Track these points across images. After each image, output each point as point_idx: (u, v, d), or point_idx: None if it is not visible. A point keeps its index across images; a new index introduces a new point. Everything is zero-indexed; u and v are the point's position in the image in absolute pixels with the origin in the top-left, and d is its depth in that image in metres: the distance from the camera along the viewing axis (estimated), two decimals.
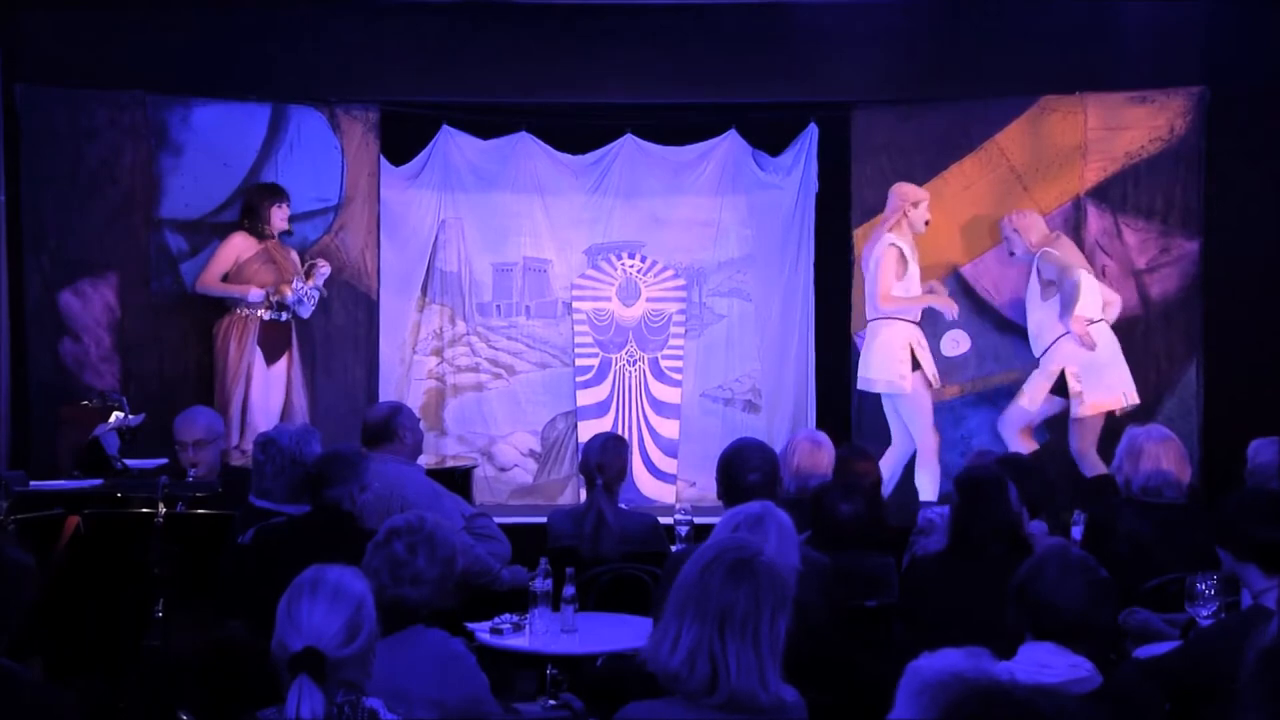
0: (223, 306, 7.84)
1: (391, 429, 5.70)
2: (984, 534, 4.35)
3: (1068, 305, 7.58)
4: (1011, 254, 7.92)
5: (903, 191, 7.90)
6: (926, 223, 7.89)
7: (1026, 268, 8.20)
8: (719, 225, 8.93)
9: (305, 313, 7.92)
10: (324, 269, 7.91)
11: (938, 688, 2.50)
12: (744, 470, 4.77)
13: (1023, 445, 7.71)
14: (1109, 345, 7.73)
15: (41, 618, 4.64)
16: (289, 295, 7.77)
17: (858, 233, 8.31)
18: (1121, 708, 3.13)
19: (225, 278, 7.80)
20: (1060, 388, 7.72)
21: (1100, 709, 3.02)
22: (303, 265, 7.94)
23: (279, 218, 7.87)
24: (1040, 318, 7.77)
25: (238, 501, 5.34)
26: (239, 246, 7.82)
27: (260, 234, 7.84)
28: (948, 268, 8.30)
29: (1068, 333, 7.61)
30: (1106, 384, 7.71)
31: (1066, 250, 7.78)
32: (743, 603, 2.90)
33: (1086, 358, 7.64)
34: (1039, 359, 7.81)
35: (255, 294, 7.74)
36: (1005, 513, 4.42)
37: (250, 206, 7.90)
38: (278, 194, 7.93)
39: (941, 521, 5.43)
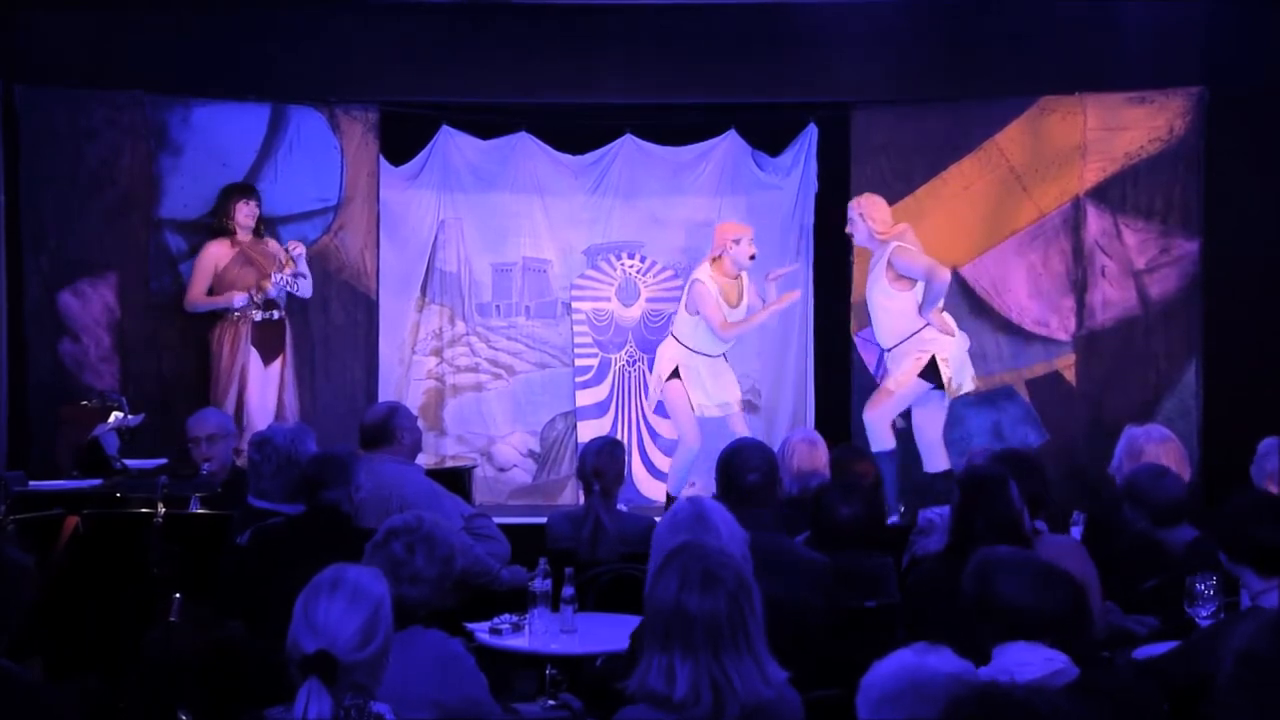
0: (215, 313, 7.86)
1: (390, 430, 5.69)
2: (985, 531, 4.33)
3: (933, 302, 7.59)
4: (850, 235, 7.90)
5: (722, 230, 7.98)
6: (752, 257, 7.90)
7: (1025, 266, 8.23)
8: (719, 225, 8.92)
9: (305, 294, 7.94)
10: (297, 250, 7.89)
11: (909, 689, 2.49)
12: (744, 470, 4.75)
13: (889, 438, 7.70)
14: (960, 331, 7.81)
15: (41, 618, 4.65)
16: (271, 290, 7.78)
17: None
18: (1120, 707, 3.12)
19: (211, 289, 7.83)
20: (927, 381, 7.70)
21: (1091, 706, 3.02)
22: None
23: (243, 214, 7.88)
24: (891, 308, 7.71)
25: (239, 502, 5.35)
26: (215, 255, 7.85)
27: (228, 231, 7.85)
28: (947, 268, 8.28)
29: (928, 324, 7.60)
30: (968, 367, 7.76)
31: (914, 241, 7.77)
32: (725, 610, 2.88)
33: (949, 344, 7.66)
34: (889, 350, 7.78)
35: (239, 299, 7.76)
36: (1007, 509, 4.41)
37: (219, 205, 7.95)
38: (243, 191, 7.96)
39: (941, 521, 5.43)
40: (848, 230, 7.85)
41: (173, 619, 4.91)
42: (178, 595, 4.91)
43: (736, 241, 7.86)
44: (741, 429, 8.01)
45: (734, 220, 8.85)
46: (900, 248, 7.61)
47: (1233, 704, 2.41)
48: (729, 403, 8.03)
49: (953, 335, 7.67)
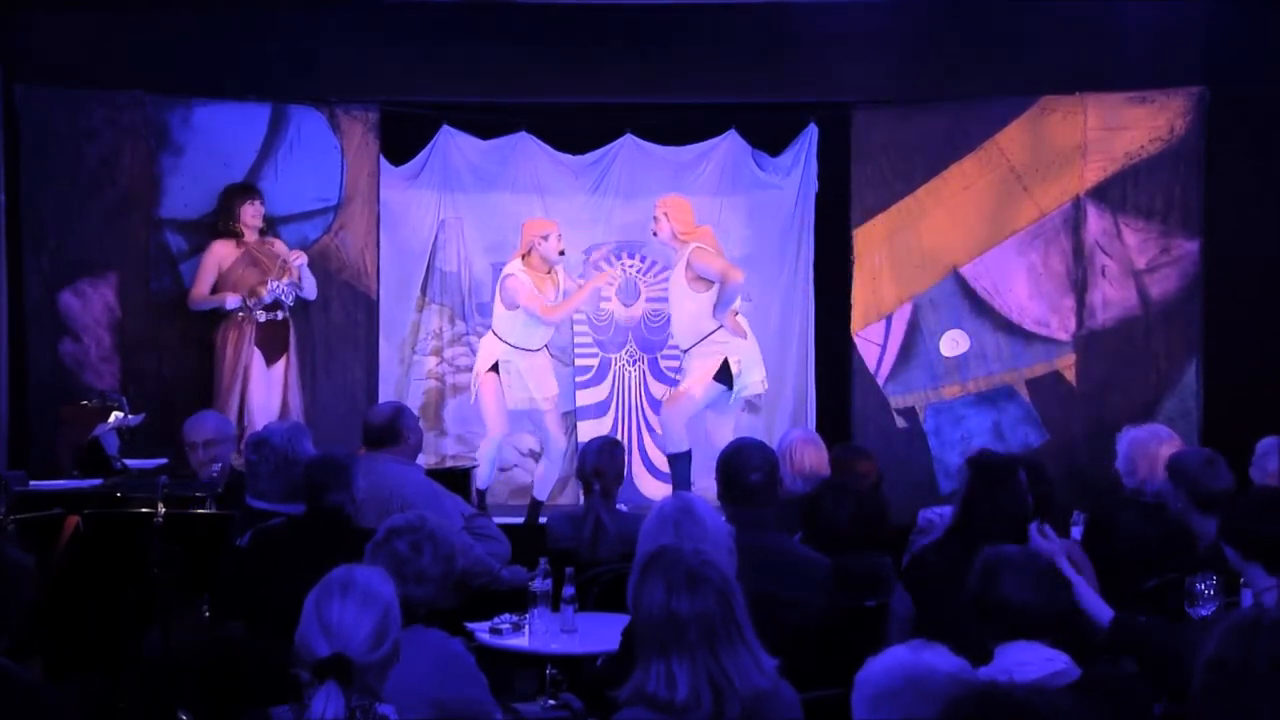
0: (219, 313, 7.86)
1: (396, 430, 5.70)
2: (990, 516, 4.32)
3: (726, 304, 7.75)
4: (655, 234, 7.99)
5: (529, 226, 8.06)
6: (561, 252, 8.01)
7: (1025, 266, 8.23)
8: (718, 225, 8.90)
9: (310, 295, 7.93)
10: (298, 260, 7.89)
11: (907, 687, 2.49)
12: (745, 470, 4.74)
13: (684, 439, 7.86)
14: (751, 334, 7.98)
15: (41, 618, 4.64)
16: (265, 297, 7.78)
17: (857, 233, 8.31)
18: (1121, 707, 3.12)
19: (216, 288, 7.83)
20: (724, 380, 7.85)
21: (1090, 702, 3.02)
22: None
23: (250, 214, 7.89)
24: (689, 309, 7.84)
25: (240, 502, 5.35)
26: (220, 255, 7.85)
27: (235, 234, 7.85)
28: (948, 268, 8.30)
29: (721, 325, 7.75)
30: (757, 370, 7.92)
31: (714, 244, 7.89)
32: (716, 608, 2.90)
33: (742, 347, 7.82)
34: (688, 349, 7.89)
35: (232, 300, 7.76)
36: (1015, 498, 4.40)
37: (224, 207, 7.94)
38: (248, 192, 7.96)
39: (941, 521, 5.44)
40: (653, 229, 7.97)
41: (194, 620, 4.91)
42: (201, 596, 4.91)
43: (544, 238, 7.96)
44: (553, 426, 8.12)
45: (736, 220, 8.91)
46: (699, 249, 7.77)
47: (1206, 710, 2.40)
48: (543, 399, 8.07)
49: (745, 338, 7.85)
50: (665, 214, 7.87)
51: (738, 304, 7.91)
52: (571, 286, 8.20)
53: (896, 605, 4.43)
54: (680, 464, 7.83)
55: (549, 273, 8.02)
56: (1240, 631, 2.51)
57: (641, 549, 3.99)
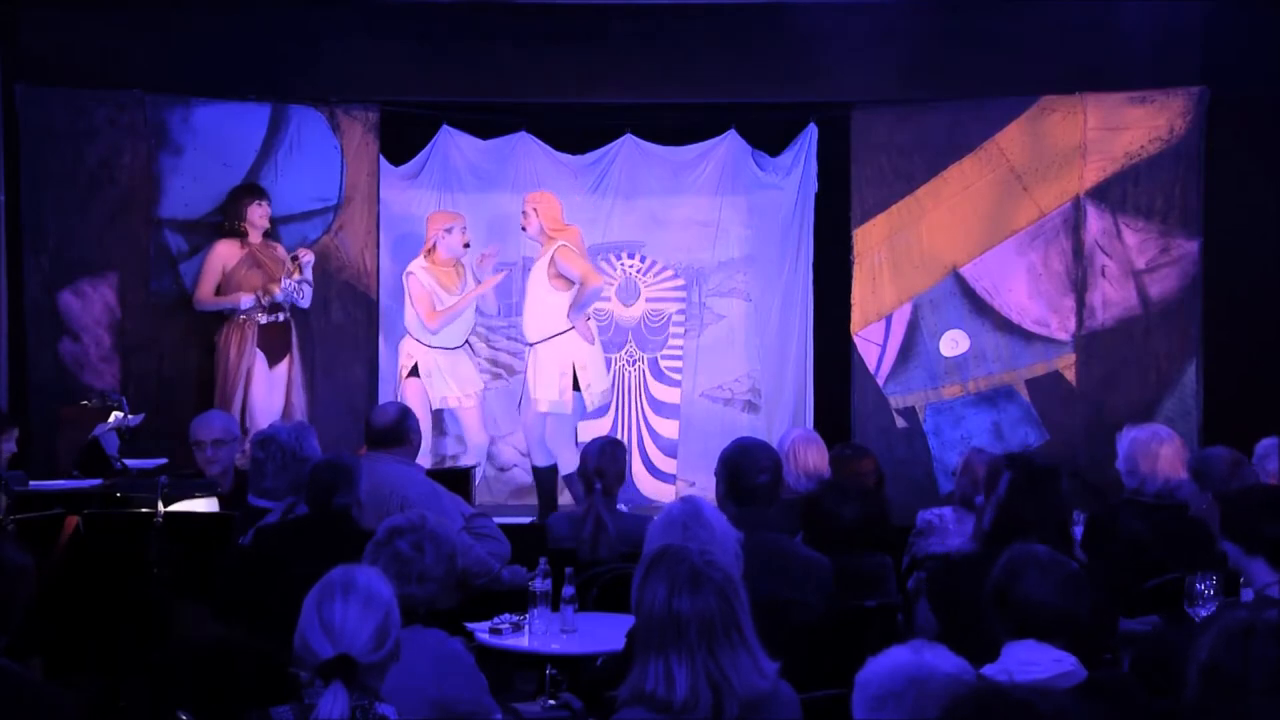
0: (222, 314, 7.87)
1: (401, 431, 5.71)
2: (1035, 518, 4.29)
3: (582, 307, 7.84)
4: (524, 229, 8.03)
5: (433, 220, 8.11)
6: (466, 245, 8.07)
7: (1025, 266, 8.23)
8: (718, 225, 8.92)
9: (304, 303, 7.94)
10: (307, 258, 7.90)
11: (911, 687, 2.49)
12: (754, 471, 4.72)
13: (549, 452, 7.95)
14: (599, 341, 8.14)
15: (41, 618, 4.64)
16: (278, 294, 7.78)
17: (857, 233, 8.32)
18: (1127, 710, 3.12)
19: (219, 289, 7.83)
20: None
21: (1094, 705, 3.02)
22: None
23: (257, 215, 7.90)
24: (546, 303, 7.88)
25: (242, 502, 5.35)
26: (224, 255, 7.86)
27: (241, 234, 7.85)
28: (947, 268, 8.30)
29: (573, 327, 7.83)
30: (602, 379, 8.04)
31: (579, 245, 7.94)
32: (717, 608, 2.90)
33: (588, 352, 7.91)
34: (532, 345, 7.95)
35: (246, 300, 7.77)
36: (1059, 497, 4.39)
37: (230, 207, 7.94)
38: (255, 192, 7.96)
39: (940, 523, 5.44)
40: (521, 224, 8.01)
41: (195, 620, 4.90)
42: (201, 596, 4.90)
43: (448, 231, 8.01)
44: (473, 424, 8.14)
45: (735, 220, 8.91)
46: (564, 248, 7.82)
47: (1203, 716, 2.39)
48: (463, 396, 8.07)
49: (592, 344, 7.97)
50: (535, 209, 7.92)
51: (591, 309, 8.03)
52: (474, 284, 8.16)
53: (922, 620, 4.40)
54: (546, 477, 7.91)
55: (454, 266, 8.07)
56: (1234, 636, 2.50)
57: (648, 551, 3.98)
